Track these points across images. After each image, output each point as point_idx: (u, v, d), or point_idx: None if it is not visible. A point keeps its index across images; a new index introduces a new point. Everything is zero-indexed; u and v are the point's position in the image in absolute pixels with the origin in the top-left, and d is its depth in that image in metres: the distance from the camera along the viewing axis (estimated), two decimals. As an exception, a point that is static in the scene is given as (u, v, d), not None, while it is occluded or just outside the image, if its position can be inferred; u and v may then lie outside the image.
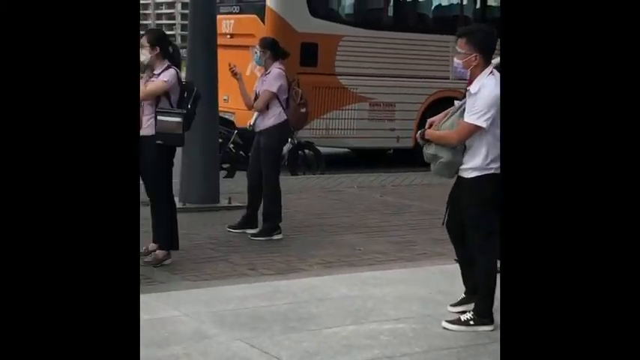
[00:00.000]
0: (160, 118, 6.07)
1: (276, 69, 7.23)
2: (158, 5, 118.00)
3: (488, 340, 4.63)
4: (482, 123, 4.64)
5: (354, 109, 12.36)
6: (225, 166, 10.72)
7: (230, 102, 11.24)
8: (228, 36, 12.22)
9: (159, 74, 6.15)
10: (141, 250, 6.28)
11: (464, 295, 5.06)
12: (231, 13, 12.59)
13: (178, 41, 72.88)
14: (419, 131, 4.98)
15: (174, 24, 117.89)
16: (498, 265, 4.56)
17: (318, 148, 11.66)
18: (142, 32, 6.92)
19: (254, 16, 12.09)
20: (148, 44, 6.16)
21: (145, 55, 6.14)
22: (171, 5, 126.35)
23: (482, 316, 4.79)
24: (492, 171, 4.69)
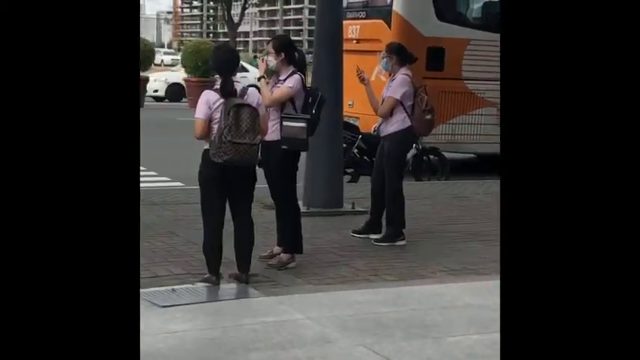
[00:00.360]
0: (285, 123, 6.15)
1: (401, 75, 7.19)
2: (286, 11, 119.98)
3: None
4: None
5: (481, 114, 12.18)
6: (349, 170, 10.75)
7: (355, 107, 11.27)
8: (354, 41, 12.25)
9: (284, 80, 6.22)
10: (265, 254, 6.38)
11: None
12: (357, 18, 12.64)
13: (305, 47, 73.82)
14: None
15: (302, 30, 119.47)
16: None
17: (444, 153, 11.54)
18: (269, 39, 7.04)
19: (380, 21, 12.09)
20: (273, 50, 6.24)
21: (271, 62, 6.24)
22: (298, 11, 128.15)
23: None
24: None
